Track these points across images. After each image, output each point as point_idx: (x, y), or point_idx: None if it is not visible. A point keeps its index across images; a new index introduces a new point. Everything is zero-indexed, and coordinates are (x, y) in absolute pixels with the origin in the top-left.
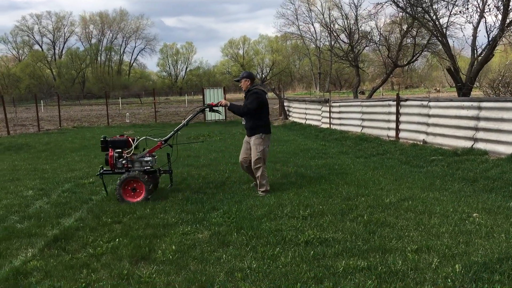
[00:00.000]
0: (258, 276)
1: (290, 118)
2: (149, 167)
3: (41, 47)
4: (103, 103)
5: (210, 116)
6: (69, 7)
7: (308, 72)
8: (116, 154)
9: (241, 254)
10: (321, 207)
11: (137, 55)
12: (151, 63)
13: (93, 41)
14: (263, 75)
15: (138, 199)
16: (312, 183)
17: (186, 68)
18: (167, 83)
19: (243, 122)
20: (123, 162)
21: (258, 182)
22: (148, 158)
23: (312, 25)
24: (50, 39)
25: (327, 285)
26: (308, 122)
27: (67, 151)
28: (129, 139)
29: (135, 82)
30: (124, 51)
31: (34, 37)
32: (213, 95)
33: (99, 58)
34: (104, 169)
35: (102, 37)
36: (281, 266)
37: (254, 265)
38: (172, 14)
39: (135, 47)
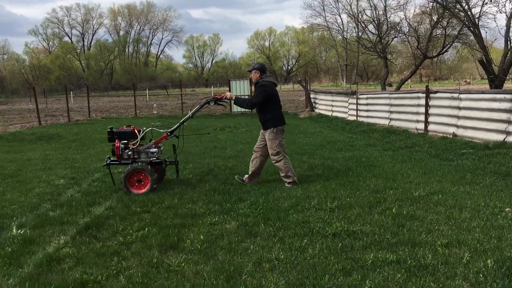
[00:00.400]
0: (286, 267)
1: (316, 110)
2: (155, 158)
3: (70, 39)
4: (131, 94)
5: (236, 107)
6: (98, 0)
7: (334, 64)
8: (122, 145)
9: (268, 245)
10: (348, 199)
11: (164, 47)
12: (177, 55)
13: (121, 33)
14: (289, 67)
15: (144, 190)
16: (339, 175)
17: (212, 60)
18: (193, 74)
19: None
20: (129, 153)
21: (282, 175)
22: (154, 149)
23: (339, 16)
24: (79, 31)
25: (356, 278)
26: (334, 114)
27: (97, 141)
28: (135, 130)
29: (162, 74)
30: (151, 43)
31: (64, 29)
32: (239, 87)
33: (127, 50)
34: (111, 159)
35: (130, 29)
36: (308, 258)
37: (282, 256)
38: (198, 6)
39: (162, 38)
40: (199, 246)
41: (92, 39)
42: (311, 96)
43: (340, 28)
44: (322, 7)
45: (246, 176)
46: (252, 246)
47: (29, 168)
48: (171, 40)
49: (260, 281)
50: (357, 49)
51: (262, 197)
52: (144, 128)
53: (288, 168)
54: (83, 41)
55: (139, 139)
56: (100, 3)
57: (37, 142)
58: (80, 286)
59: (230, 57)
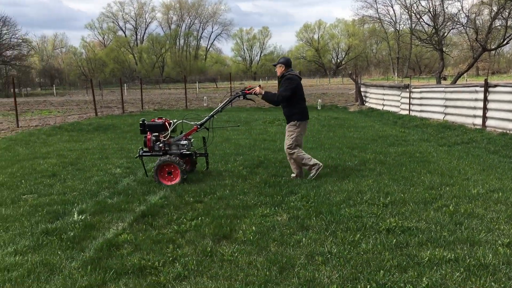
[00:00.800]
0: (339, 261)
1: (366, 104)
2: (185, 150)
3: (124, 33)
4: (181, 87)
5: None
6: None
7: (385, 57)
8: (154, 137)
9: (320, 238)
10: (402, 195)
11: (214, 40)
12: (226, 48)
13: (173, 26)
14: (338, 60)
15: (174, 182)
16: (392, 170)
17: (261, 53)
18: (242, 67)
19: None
20: (160, 145)
21: (296, 168)
22: (184, 142)
23: (392, 7)
24: (132, 25)
25: (412, 275)
26: (386, 108)
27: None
28: (166, 123)
29: (211, 67)
30: (201, 36)
31: (118, 24)
32: None
33: (177, 43)
34: (144, 150)
35: (181, 22)
36: (362, 253)
37: (335, 250)
38: None
39: (211, 32)
40: (251, 237)
41: (144, 33)
42: (362, 89)
43: (392, 19)
44: None
45: (293, 174)
46: (304, 239)
47: (88, 157)
48: (220, 33)
49: (313, 274)
50: (409, 42)
51: (313, 191)
52: (175, 120)
53: (304, 157)
54: (136, 35)
55: (169, 131)
56: None
57: (94, 132)
58: (139, 271)
59: (279, 50)
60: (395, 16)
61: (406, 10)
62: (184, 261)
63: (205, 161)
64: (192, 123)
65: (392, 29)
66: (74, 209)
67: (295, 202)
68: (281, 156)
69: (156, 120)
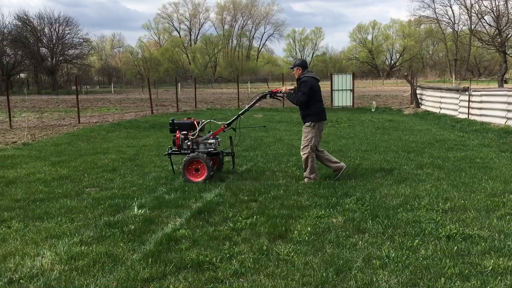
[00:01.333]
0: (397, 266)
1: (422, 107)
2: (212, 149)
3: (179, 33)
4: (232, 86)
5: (337, 101)
6: None
7: (442, 59)
8: (182, 136)
9: (377, 242)
10: (462, 201)
11: (266, 40)
12: (278, 48)
13: (226, 27)
14: (392, 61)
15: (201, 179)
16: (451, 175)
17: (313, 54)
18: None
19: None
20: (188, 143)
21: (304, 167)
22: (212, 141)
23: (450, 7)
24: (187, 26)
25: (474, 284)
26: (443, 111)
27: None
28: (195, 122)
29: (262, 67)
30: (253, 36)
31: (172, 24)
32: (341, 81)
33: (230, 44)
34: (172, 149)
35: (234, 23)
36: (421, 259)
37: (393, 255)
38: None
39: (264, 32)
40: (306, 238)
41: (198, 33)
42: (418, 92)
43: (451, 20)
44: None
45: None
46: (360, 242)
47: (145, 153)
48: (272, 33)
49: (371, 277)
50: (469, 43)
51: (368, 194)
52: (203, 120)
53: (311, 165)
54: (190, 35)
55: (197, 130)
56: None
57: (150, 130)
58: (197, 266)
59: (331, 50)
60: (454, 16)
61: (466, 10)
62: (240, 259)
63: (231, 160)
64: (220, 123)
65: (450, 30)
66: (134, 204)
67: (350, 205)
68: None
69: (185, 120)
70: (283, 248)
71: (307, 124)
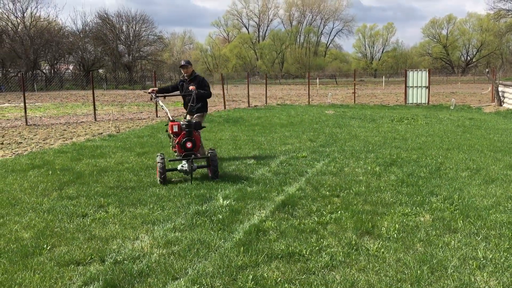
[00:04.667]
0: (496, 267)
1: (504, 105)
2: None
3: (247, 29)
4: (300, 82)
5: (412, 98)
6: None
7: None
8: None
9: (472, 242)
10: None
11: (334, 36)
12: (346, 44)
13: (294, 23)
14: (468, 57)
15: None
16: None
17: (383, 50)
18: (362, 64)
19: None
20: None
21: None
22: None
23: None
24: (255, 22)
25: None
26: None
27: (277, 126)
28: None
29: (330, 63)
30: (321, 32)
31: (242, 21)
32: (416, 78)
33: (298, 40)
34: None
35: (303, 18)
36: None
37: (490, 256)
38: None
39: (332, 28)
40: (395, 235)
41: (266, 30)
42: (499, 89)
43: None
44: None
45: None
46: (453, 241)
47: (222, 147)
48: (341, 29)
49: (469, 277)
50: None
51: (456, 193)
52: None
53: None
54: (259, 31)
55: None
56: None
57: (224, 124)
58: (288, 256)
59: (401, 46)
60: None
61: None
62: (330, 252)
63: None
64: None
65: None
66: (218, 195)
67: (437, 204)
68: (415, 156)
69: None
70: (372, 244)
71: (201, 114)
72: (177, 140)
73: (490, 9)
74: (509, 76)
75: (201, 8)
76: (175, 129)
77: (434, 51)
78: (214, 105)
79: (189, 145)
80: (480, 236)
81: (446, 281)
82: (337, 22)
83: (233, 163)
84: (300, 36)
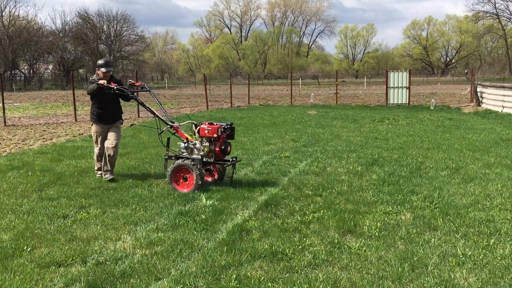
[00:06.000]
0: (475, 264)
1: (482, 105)
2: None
3: (229, 30)
4: (282, 83)
5: (393, 99)
6: None
7: (501, 56)
8: None
9: (451, 240)
10: None
11: (316, 37)
12: (328, 45)
13: (276, 23)
14: (448, 59)
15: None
16: None
17: (364, 51)
18: (344, 65)
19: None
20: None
21: (113, 165)
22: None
23: None
24: (238, 23)
25: None
26: (506, 110)
27: (260, 126)
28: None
29: (312, 64)
30: (304, 33)
31: (224, 21)
32: (397, 78)
33: (280, 40)
34: None
35: (285, 19)
36: (499, 258)
37: (469, 253)
38: None
39: (314, 29)
40: (377, 233)
41: (249, 30)
42: (478, 90)
43: None
44: None
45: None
46: (433, 239)
47: None
48: (323, 30)
49: (449, 274)
50: None
51: (436, 192)
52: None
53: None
54: (241, 32)
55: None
56: None
57: None
58: (271, 256)
59: (384, 47)
60: None
61: None
62: (313, 251)
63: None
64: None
65: (511, 25)
66: (202, 195)
67: (418, 202)
68: (396, 155)
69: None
70: (354, 242)
71: (121, 121)
72: (218, 145)
73: (468, 11)
74: (487, 77)
75: (183, 8)
76: (219, 132)
77: (414, 52)
78: (197, 105)
79: (229, 149)
80: (460, 234)
81: (426, 278)
82: (319, 23)
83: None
84: (282, 36)
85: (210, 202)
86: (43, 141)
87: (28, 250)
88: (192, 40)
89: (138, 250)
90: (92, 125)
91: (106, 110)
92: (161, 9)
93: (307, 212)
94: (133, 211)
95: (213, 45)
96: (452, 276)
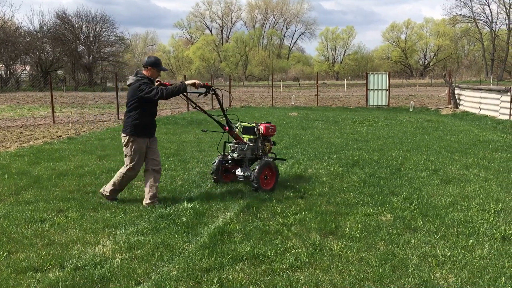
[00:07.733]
0: (454, 264)
1: (460, 107)
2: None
3: (210, 31)
4: (264, 85)
5: (372, 101)
6: None
7: (478, 58)
8: None
9: (431, 241)
10: None
11: (297, 39)
12: (309, 47)
13: (257, 25)
14: (426, 61)
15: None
16: (499, 176)
17: (344, 53)
18: (324, 67)
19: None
20: None
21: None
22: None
23: (488, 6)
24: (219, 24)
25: None
26: (482, 112)
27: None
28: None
29: (293, 66)
30: (284, 35)
31: (205, 23)
32: (377, 81)
33: (261, 42)
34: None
35: (265, 21)
36: (478, 258)
37: (448, 254)
38: None
39: (295, 31)
40: (358, 235)
41: (230, 32)
42: (456, 92)
43: (488, 19)
44: None
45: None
46: (413, 240)
47: (186, 149)
48: (303, 32)
49: (429, 275)
50: (506, 42)
51: (415, 193)
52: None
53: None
54: (222, 33)
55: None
56: None
57: (188, 126)
58: (253, 258)
59: (363, 50)
60: (491, 15)
61: (505, 9)
62: (295, 253)
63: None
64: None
65: (488, 29)
66: (183, 197)
67: (398, 203)
68: (376, 157)
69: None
70: (336, 244)
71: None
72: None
73: (446, 14)
74: (464, 79)
75: (162, 9)
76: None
77: (393, 55)
78: (178, 107)
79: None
80: (439, 235)
81: (407, 279)
82: (300, 25)
83: (197, 165)
84: (263, 38)
85: (191, 205)
86: (20, 144)
87: (4, 255)
88: (173, 41)
89: (118, 254)
90: (132, 140)
91: (153, 120)
92: (140, 10)
93: (289, 214)
94: (112, 214)
95: (194, 47)
96: (432, 277)
